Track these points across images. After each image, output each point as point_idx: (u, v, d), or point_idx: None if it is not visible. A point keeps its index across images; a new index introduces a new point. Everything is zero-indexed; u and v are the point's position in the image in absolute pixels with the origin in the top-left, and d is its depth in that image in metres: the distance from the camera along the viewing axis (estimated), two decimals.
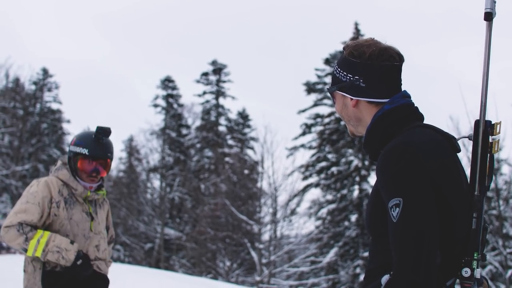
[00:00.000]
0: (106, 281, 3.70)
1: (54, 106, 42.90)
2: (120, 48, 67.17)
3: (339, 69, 2.08)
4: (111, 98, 63.49)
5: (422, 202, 1.79)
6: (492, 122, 1.90)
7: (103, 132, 3.66)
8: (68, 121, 43.54)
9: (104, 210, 3.82)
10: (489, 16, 1.91)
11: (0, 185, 36.44)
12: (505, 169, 29.39)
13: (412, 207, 1.78)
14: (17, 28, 61.26)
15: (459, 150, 2.01)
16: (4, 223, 3.52)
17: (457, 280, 1.85)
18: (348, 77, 2.05)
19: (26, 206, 3.51)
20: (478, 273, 1.80)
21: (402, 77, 2.08)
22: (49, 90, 42.67)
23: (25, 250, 3.45)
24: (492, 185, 23.66)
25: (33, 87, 42.08)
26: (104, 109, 59.53)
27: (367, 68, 2.01)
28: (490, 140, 1.89)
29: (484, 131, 1.88)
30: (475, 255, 1.81)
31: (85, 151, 3.61)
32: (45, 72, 42.48)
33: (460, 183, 1.91)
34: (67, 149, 3.91)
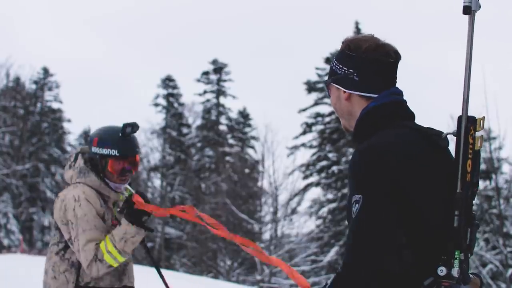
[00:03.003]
0: None
1: (55, 105, 42.93)
2: (120, 49, 67.21)
3: (335, 62, 2.10)
4: (111, 98, 63.54)
5: (380, 200, 1.82)
6: (476, 118, 1.88)
7: (132, 129, 3.39)
8: (69, 121, 43.56)
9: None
10: (467, 10, 1.89)
11: (0, 184, 36.47)
12: (505, 168, 29.38)
13: (370, 204, 1.82)
14: (16, 28, 61.27)
15: (445, 147, 1.99)
16: (82, 263, 3.29)
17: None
18: (343, 70, 2.06)
19: (86, 236, 3.27)
20: (456, 271, 1.77)
21: (397, 75, 2.08)
22: (50, 89, 42.68)
23: (111, 267, 3.27)
24: (493, 184, 23.65)
25: (33, 86, 42.11)
26: (104, 108, 59.57)
27: (361, 62, 2.02)
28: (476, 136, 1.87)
29: (466, 126, 1.87)
30: (456, 253, 1.78)
31: (114, 152, 3.34)
32: (45, 71, 42.50)
33: (437, 180, 1.89)
34: (89, 150, 3.50)
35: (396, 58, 2.05)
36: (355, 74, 2.03)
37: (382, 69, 2.03)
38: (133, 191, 3.34)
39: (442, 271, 1.77)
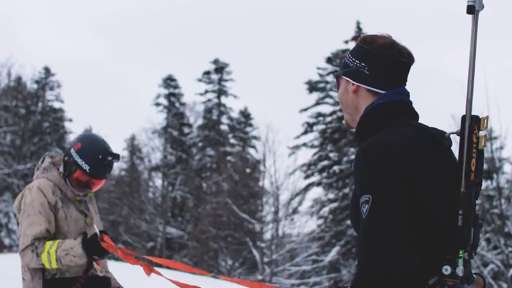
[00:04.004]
0: (108, 284, 3.62)
1: (56, 105, 42.91)
2: (120, 49, 67.21)
3: (349, 55, 2.12)
4: (111, 98, 63.52)
5: (390, 199, 1.79)
6: (480, 117, 1.88)
7: (112, 159, 3.55)
8: (70, 120, 43.56)
9: (93, 204, 3.73)
10: (471, 9, 1.90)
11: (2, 184, 36.48)
12: (507, 168, 29.34)
13: (381, 204, 1.79)
14: (16, 28, 61.24)
15: (448, 146, 1.99)
16: (19, 247, 3.38)
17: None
18: (355, 63, 2.07)
19: (29, 221, 3.38)
20: (460, 271, 1.76)
21: (407, 76, 2.09)
22: (51, 89, 42.68)
23: (42, 266, 3.33)
24: (494, 183, 23.62)
25: (35, 86, 42.12)
26: (104, 108, 59.61)
27: (374, 56, 2.03)
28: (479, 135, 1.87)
29: (470, 126, 1.86)
30: (460, 252, 1.77)
31: (86, 167, 3.49)
32: (47, 71, 42.51)
33: (441, 179, 1.88)
34: (68, 148, 3.73)
35: (409, 59, 2.06)
36: (366, 68, 2.04)
37: (393, 67, 2.03)
38: (98, 232, 3.38)
39: (447, 270, 1.75)
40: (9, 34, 56.70)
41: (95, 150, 3.54)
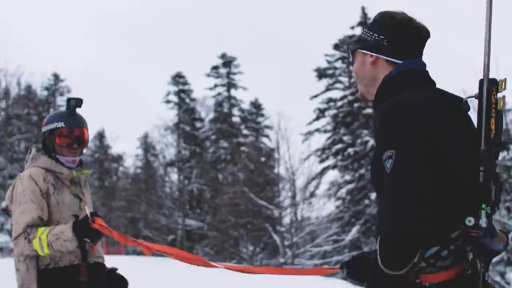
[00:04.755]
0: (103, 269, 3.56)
1: None
2: (128, 50, 67.54)
3: (366, 30, 2.16)
4: (122, 98, 63.91)
5: (414, 154, 1.82)
6: (497, 79, 1.91)
7: (75, 103, 3.53)
8: None
9: (87, 189, 3.66)
10: None
11: None
12: None
13: (405, 159, 1.81)
14: (21, 38, 61.65)
15: (467, 110, 2.01)
16: (12, 236, 3.34)
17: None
18: (373, 36, 2.12)
19: (21, 209, 3.32)
20: (484, 222, 1.79)
21: (423, 49, 2.13)
22: (61, 94, 43.10)
23: (36, 252, 3.27)
24: (510, 154, 23.67)
25: (45, 92, 42.51)
26: (116, 109, 59.91)
27: (393, 29, 2.08)
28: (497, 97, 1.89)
29: (488, 88, 1.89)
30: (483, 206, 1.80)
31: (60, 124, 3.47)
32: (56, 77, 42.92)
33: (460, 139, 1.92)
34: (41, 137, 3.69)
35: (426, 33, 2.11)
36: (385, 40, 2.08)
37: (411, 39, 2.08)
38: (89, 214, 3.31)
39: (470, 221, 1.79)
40: (15, 44, 57.14)
41: (58, 111, 3.61)
